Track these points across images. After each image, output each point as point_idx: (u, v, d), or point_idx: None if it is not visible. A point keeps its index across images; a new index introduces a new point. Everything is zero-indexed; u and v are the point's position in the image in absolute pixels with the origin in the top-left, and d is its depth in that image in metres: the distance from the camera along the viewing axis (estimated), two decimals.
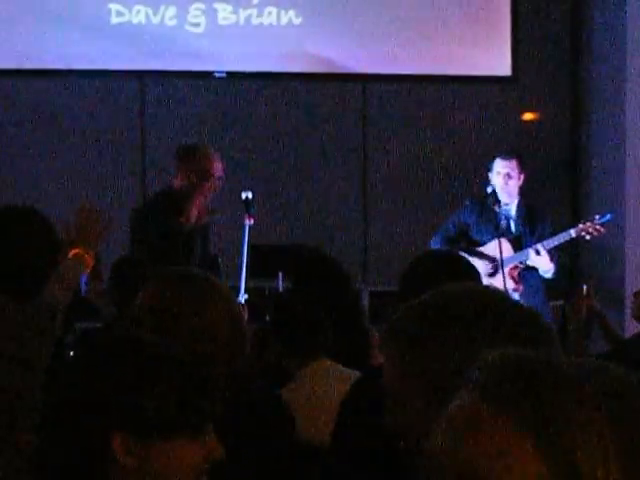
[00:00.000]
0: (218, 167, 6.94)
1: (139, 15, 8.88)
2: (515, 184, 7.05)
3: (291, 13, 8.96)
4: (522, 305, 1.79)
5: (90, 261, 4.26)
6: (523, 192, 7.22)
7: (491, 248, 6.95)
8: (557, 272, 6.96)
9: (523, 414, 1.12)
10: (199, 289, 2.58)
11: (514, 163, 7.08)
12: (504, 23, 8.99)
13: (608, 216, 7.03)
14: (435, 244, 7.13)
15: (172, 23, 8.92)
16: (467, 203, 7.20)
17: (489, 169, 7.14)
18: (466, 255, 6.75)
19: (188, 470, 1.85)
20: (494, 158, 7.15)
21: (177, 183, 6.92)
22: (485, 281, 6.66)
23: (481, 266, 6.77)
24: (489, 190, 7.09)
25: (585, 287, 5.53)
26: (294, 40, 8.94)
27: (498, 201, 6.99)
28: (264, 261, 7.38)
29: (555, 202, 8.90)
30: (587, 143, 8.94)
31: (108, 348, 1.93)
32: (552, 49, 9.12)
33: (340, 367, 4.08)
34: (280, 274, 7.26)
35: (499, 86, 9.04)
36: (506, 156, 7.15)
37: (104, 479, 1.82)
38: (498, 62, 8.98)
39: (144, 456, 1.82)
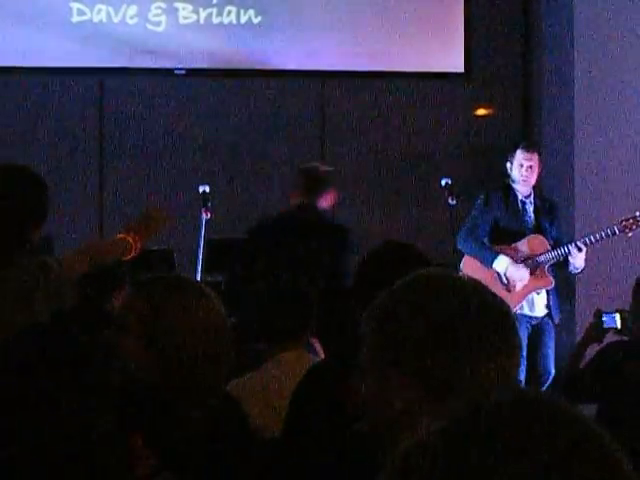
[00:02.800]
0: None
1: (100, 14, 8.93)
2: (535, 177, 6.91)
3: (250, 12, 9.06)
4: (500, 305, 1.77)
5: (135, 249, 4.22)
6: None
7: (524, 244, 6.84)
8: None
9: None
10: (184, 297, 2.61)
11: (536, 156, 6.94)
12: (457, 20, 9.09)
13: None
14: (465, 241, 6.86)
15: (133, 22, 8.99)
16: (483, 197, 6.95)
17: (509, 159, 6.95)
18: (504, 257, 6.72)
19: None
20: (515, 149, 6.97)
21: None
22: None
23: (521, 267, 6.76)
24: (443, 182, 6.99)
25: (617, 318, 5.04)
26: (253, 38, 9.03)
27: (511, 190, 6.89)
28: (220, 255, 7.42)
29: None
30: (539, 138, 9.03)
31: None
32: (504, 45, 9.21)
33: (315, 359, 4.05)
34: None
35: (452, 82, 9.12)
36: (530, 148, 6.99)
37: None
38: (451, 59, 9.09)
39: None
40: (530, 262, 6.79)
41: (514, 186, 6.93)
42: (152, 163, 8.93)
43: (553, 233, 6.89)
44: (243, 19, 9.05)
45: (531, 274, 6.77)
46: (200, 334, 2.56)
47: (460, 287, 1.74)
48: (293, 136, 9.07)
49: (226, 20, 9.05)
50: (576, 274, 6.91)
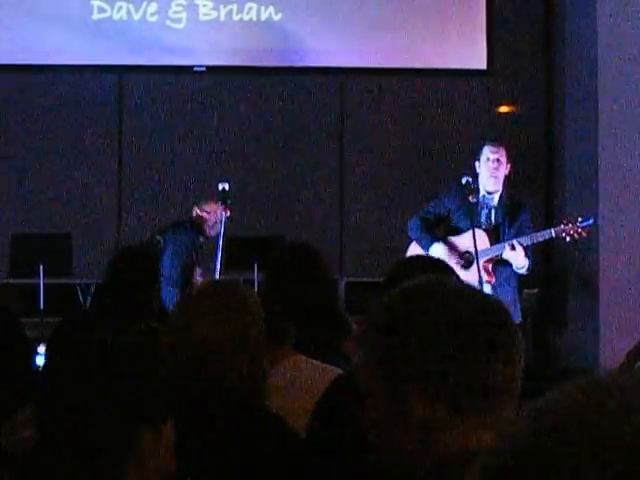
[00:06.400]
0: None
1: (121, 11, 8.95)
2: (503, 171, 6.88)
3: (271, 9, 9.05)
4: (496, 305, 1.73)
5: None
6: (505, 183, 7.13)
7: (467, 238, 6.81)
8: (530, 268, 6.77)
9: None
10: (210, 300, 2.67)
11: (503, 150, 6.94)
12: (479, 17, 9.06)
13: (591, 220, 6.87)
14: (413, 226, 6.94)
15: (153, 19, 8.99)
16: (453, 188, 6.98)
17: (477, 158, 6.97)
18: (441, 245, 6.85)
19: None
20: (482, 146, 6.99)
21: None
22: (459, 272, 6.56)
23: (455, 257, 6.77)
24: (464, 181, 6.97)
25: None
26: (273, 35, 9.02)
27: (476, 190, 6.83)
28: (239, 253, 7.42)
29: (529, 193, 8.96)
30: (561, 134, 9.00)
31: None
32: (527, 42, 9.18)
33: (314, 363, 3.86)
34: (255, 266, 7.30)
35: (475, 79, 9.10)
36: (495, 143, 7.03)
37: None
38: (473, 55, 9.06)
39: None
40: (467, 256, 6.79)
41: (479, 182, 6.92)
42: (171, 161, 8.94)
43: (511, 233, 6.83)
44: (263, 16, 9.04)
45: (466, 268, 6.72)
46: (222, 335, 2.60)
47: (460, 293, 1.70)
48: (313, 133, 9.07)
49: (246, 17, 9.04)
50: (521, 273, 6.77)
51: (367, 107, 9.10)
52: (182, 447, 2.09)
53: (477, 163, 6.98)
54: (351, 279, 8.49)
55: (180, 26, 8.99)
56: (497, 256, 6.77)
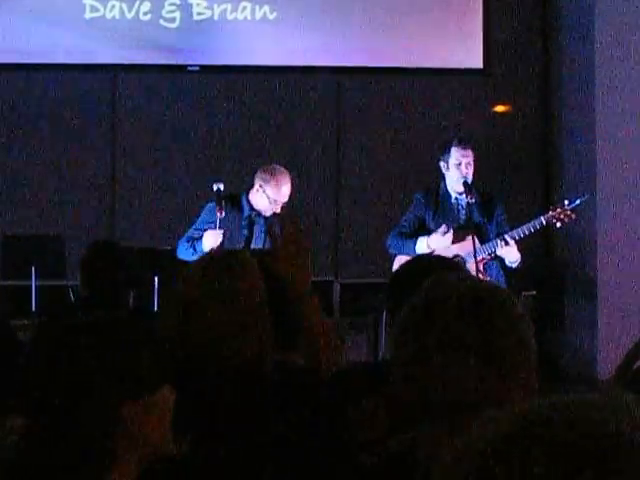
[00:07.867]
0: None
1: (113, 10, 8.93)
2: (472, 172, 6.71)
3: (265, 8, 9.02)
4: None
5: None
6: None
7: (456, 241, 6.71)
8: (522, 261, 6.66)
9: None
10: (209, 268, 2.69)
11: (471, 151, 6.77)
12: (476, 16, 9.05)
13: (577, 201, 6.69)
14: (392, 242, 6.79)
15: (146, 18, 8.97)
16: (419, 197, 6.87)
17: (443, 159, 6.77)
18: (425, 236, 6.74)
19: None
20: (448, 148, 6.76)
21: None
22: None
23: (439, 234, 6.58)
24: (462, 181, 6.77)
25: None
26: (268, 35, 8.99)
27: (447, 194, 6.74)
28: None
29: (527, 192, 8.95)
30: (558, 134, 9.00)
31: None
32: (523, 41, 9.18)
33: None
34: None
35: (471, 78, 9.08)
36: (463, 144, 6.79)
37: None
38: (470, 55, 9.04)
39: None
40: (457, 259, 6.47)
41: (447, 185, 6.77)
42: (165, 161, 8.92)
43: (492, 229, 6.70)
44: (258, 15, 9.01)
45: None
46: (222, 304, 2.61)
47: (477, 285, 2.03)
48: (308, 133, 9.04)
49: (241, 16, 9.01)
50: (514, 268, 6.64)
51: (363, 107, 9.08)
52: (181, 420, 2.07)
53: (443, 164, 6.78)
54: (347, 281, 8.47)
55: (174, 25, 8.96)
56: (490, 254, 6.65)
